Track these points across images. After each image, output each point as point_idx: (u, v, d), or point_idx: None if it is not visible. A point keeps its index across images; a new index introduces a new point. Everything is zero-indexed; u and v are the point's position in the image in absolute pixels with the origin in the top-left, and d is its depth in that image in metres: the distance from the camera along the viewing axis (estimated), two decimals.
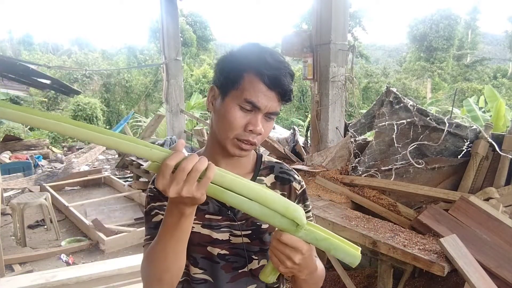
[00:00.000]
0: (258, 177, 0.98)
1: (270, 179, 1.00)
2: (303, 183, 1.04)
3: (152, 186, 0.95)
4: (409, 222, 2.81)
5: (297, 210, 0.74)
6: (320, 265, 0.96)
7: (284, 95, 0.86)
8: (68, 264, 3.81)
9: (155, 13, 22.13)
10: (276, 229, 0.77)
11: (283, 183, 1.00)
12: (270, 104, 0.84)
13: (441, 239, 2.14)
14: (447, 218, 2.53)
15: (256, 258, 0.95)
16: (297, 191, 1.01)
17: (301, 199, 1.02)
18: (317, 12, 3.99)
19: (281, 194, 0.97)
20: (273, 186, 0.99)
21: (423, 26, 22.43)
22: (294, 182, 1.01)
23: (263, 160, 1.03)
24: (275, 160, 1.05)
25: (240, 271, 0.94)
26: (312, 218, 1.05)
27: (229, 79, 0.86)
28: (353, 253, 0.78)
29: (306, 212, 1.02)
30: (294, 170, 1.05)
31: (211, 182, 0.68)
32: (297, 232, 0.75)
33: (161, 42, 7.42)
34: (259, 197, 0.71)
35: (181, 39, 12.55)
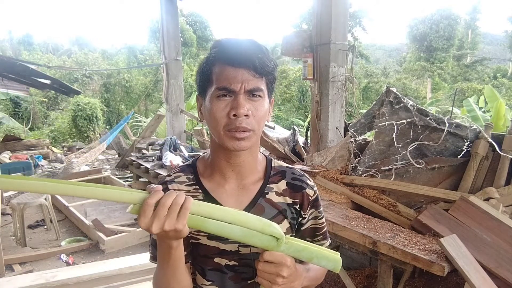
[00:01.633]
0: (268, 185, 0.95)
1: (281, 185, 0.96)
2: (316, 188, 1.01)
3: None
4: (409, 222, 2.81)
5: (271, 224, 0.77)
6: (315, 275, 0.96)
7: (257, 68, 0.82)
8: (68, 264, 3.81)
9: (155, 13, 22.13)
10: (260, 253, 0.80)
11: (295, 190, 0.96)
12: (245, 82, 0.81)
13: (441, 239, 2.14)
14: (447, 218, 2.53)
15: None
16: (310, 198, 0.97)
17: (314, 205, 0.99)
18: (317, 12, 3.99)
19: (292, 201, 0.95)
20: (285, 193, 0.95)
21: (423, 26, 22.41)
22: (307, 189, 0.97)
23: (273, 165, 0.99)
24: (285, 164, 1.01)
25: (249, 281, 0.93)
26: (324, 224, 1.02)
27: (204, 80, 0.87)
28: (333, 258, 0.82)
29: (319, 219, 1.00)
30: (306, 174, 1.02)
31: (191, 213, 0.72)
32: (278, 247, 0.78)
33: (161, 42, 7.42)
34: (237, 220, 0.74)
35: (181, 39, 12.55)
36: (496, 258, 2.19)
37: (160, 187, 0.73)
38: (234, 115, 0.81)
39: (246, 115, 0.82)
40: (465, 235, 2.33)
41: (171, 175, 0.96)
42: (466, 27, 24.94)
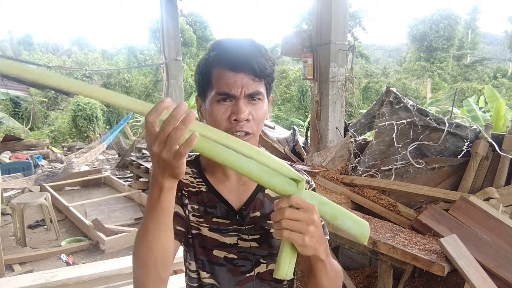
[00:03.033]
0: None
1: None
2: (313, 182, 1.02)
3: None
4: (409, 222, 2.81)
5: (290, 168, 0.69)
6: (336, 264, 0.87)
7: (256, 72, 0.82)
8: (68, 264, 3.81)
9: (155, 13, 22.13)
10: (276, 201, 0.70)
11: None
12: (245, 87, 0.82)
13: (441, 239, 2.14)
14: (447, 218, 2.53)
15: (264, 262, 0.94)
16: None
17: None
18: (317, 12, 3.99)
19: None
20: None
21: (423, 26, 22.42)
22: None
23: None
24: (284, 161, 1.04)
25: (247, 275, 0.93)
26: (323, 222, 0.99)
27: (203, 82, 0.88)
28: (360, 221, 0.70)
29: None
30: (302, 171, 1.02)
31: (207, 137, 0.64)
32: (299, 192, 0.67)
33: (161, 42, 7.42)
34: (254, 154, 0.65)
35: (181, 39, 12.56)
36: (496, 258, 2.19)
37: (168, 99, 0.63)
38: (235, 120, 0.83)
39: (246, 120, 0.83)
40: (465, 235, 2.33)
41: None
42: (466, 27, 24.94)
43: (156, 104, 0.61)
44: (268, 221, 0.93)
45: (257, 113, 0.85)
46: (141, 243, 0.75)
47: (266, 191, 0.95)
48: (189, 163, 0.98)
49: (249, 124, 0.84)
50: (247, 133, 0.84)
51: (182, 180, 0.93)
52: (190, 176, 0.95)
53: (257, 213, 0.93)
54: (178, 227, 0.87)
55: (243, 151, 0.65)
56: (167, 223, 0.74)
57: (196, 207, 0.92)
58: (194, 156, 1.02)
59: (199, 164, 0.98)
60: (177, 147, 0.61)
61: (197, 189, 0.94)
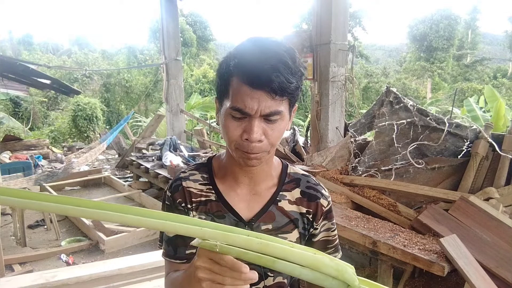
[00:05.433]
0: (281, 192, 0.92)
1: (295, 193, 0.93)
2: (330, 198, 0.97)
3: (169, 194, 0.92)
4: (409, 222, 2.81)
5: (347, 271, 0.70)
6: None
7: (276, 91, 0.73)
8: (68, 264, 3.81)
9: (155, 13, 22.16)
10: None
11: (309, 200, 0.93)
12: (262, 106, 0.74)
13: (441, 239, 2.14)
14: (447, 218, 2.54)
15: (272, 275, 0.91)
16: (323, 208, 0.94)
17: (327, 216, 0.96)
18: (317, 12, 3.99)
19: (306, 211, 0.92)
20: (298, 202, 0.92)
21: (423, 26, 22.43)
22: (321, 199, 0.94)
23: (288, 171, 0.95)
24: (301, 172, 0.98)
25: (254, 287, 0.90)
26: (336, 236, 0.99)
27: (221, 88, 0.81)
28: None
29: (331, 231, 0.97)
30: (321, 184, 0.98)
31: (263, 253, 0.66)
32: None
33: (161, 42, 7.43)
34: (310, 263, 0.68)
35: (181, 39, 12.56)
36: (496, 258, 2.19)
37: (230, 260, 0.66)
38: (246, 139, 0.77)
39: (259, 140, 0.78)
40: (465, 235, 2.33)
41: (186, 172, 0.94)
42: (466, 27, 24.94)
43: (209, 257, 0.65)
44: (280, 235, 0.89)
45: (272, 132, 0.79)
46: None
47: (280, 203, 0.91)
48: (200, 167, 0.95)
49: (260, 145, 0.78)
50: (258, 151, 0.80)
51: (191, 190, 0.90)
52: (199, 184, 0.92)
53: (269, 226, 0.89)
54: (188, 251, 0.88)
55: (300, 262, 0.68)
56: None
57: (203, 217, 0.89)
58: (207, 159, 0.98)
59: (211, 168, 0.94)
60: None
61: (205, 197, 0.90)
